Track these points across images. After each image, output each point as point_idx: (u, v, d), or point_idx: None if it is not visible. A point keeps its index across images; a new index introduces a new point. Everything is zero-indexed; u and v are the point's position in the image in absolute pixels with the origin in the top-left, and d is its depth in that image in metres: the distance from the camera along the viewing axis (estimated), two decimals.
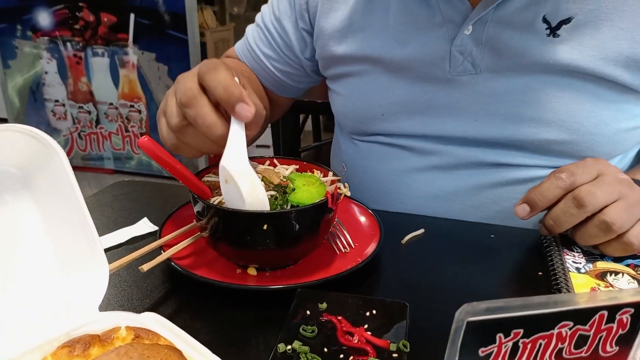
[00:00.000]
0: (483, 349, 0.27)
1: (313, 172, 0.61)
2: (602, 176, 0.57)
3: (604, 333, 0.29)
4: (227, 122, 0.53)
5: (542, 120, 0.68)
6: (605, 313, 0.28)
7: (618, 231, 0.55)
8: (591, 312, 0.28)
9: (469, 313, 0.26)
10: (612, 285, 0.54)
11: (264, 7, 0.88)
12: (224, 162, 0.52)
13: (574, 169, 0.58)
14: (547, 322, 0.27)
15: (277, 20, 0.84)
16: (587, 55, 0.65)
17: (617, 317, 0.28)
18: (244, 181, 0.51)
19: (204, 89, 0.53)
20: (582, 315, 0.28)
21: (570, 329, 0.28)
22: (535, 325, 0.27)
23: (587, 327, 0.28)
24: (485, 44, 0.68)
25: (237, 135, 0.53)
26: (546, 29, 0.65)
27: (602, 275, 0.55)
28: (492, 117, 0.70)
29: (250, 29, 0.90)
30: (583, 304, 0.27)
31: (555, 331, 0.28)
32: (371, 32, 0.74)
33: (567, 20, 0.65)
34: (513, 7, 0.66)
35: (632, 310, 0.28)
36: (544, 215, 0.60)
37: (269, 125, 1.88)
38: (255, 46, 0.87)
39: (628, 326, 0.29)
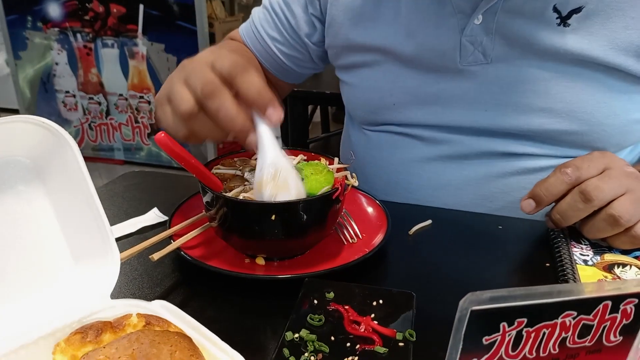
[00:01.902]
0: (487, 337, 0.28)
1: (319, 161, 0.61)
2: (609, 170, 0.57)
3: (608, 323, 0.29)
4: (246, 114, 0.53)
5: (553, 111, 0.68)
6: (610, 303, 0.28)
7: (626, 225, 0.54)
8: (595, 302, 0.28)
9: (473, 302, 0.26)
10: (619, 278, 0.54)
11: None
12: (275, 160, 0.53)
13: (580, 164, 0.58)
14: (550, 311, 0.27)
15: (286, 3, 0.84)
16: (597, 45, 0.64)
17: (621, 307, 0.28)
18: (292, 174, 0.54)
19: (224, 80, 0.53)
20: (586, 305, 0.28)
21: (574, 318, 0.28)
22: (539, 314, 0.27)
23: (590, 316, 0.28)
24: (495, 33, 0.68)
25: (267, 135, 0.54)
26: (557, 18, 0.65)
27: (609, 268, 0.55)
28: (502, 107, 0.70)
29: (256, 11, 0.89)
30: (587, 294, 0.28)
31: (559, 320, 0.28)
32: (382, 22, 0.74)
33: (577, 10, 0.64)
34: None
35: (637, 300, 0.28)
36: (551, 209, 0.60)
37: None
38: (261, 28, 0.87)
39: (632, 316, 0.29)
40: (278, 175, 0.52)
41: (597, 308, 0.28)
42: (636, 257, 0.57)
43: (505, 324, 0.27)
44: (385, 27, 0.74)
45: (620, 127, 0.68)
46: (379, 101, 0.78)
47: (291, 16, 0.84)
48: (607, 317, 0.29)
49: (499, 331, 0.27)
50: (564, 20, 0.65)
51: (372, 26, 0.75)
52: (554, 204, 0.60)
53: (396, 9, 0.73)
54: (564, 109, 0.68)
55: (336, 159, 0.61)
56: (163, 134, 0.51)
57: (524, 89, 0.69)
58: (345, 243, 0.60)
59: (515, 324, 0.27)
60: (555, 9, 0.65)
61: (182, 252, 0.55)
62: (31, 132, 0.45)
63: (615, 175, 0.56)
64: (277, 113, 0.52)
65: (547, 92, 0.68)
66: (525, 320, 0.27)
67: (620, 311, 0.29)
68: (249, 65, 0.53)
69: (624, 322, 0.29)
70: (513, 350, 0.28)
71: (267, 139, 0.53)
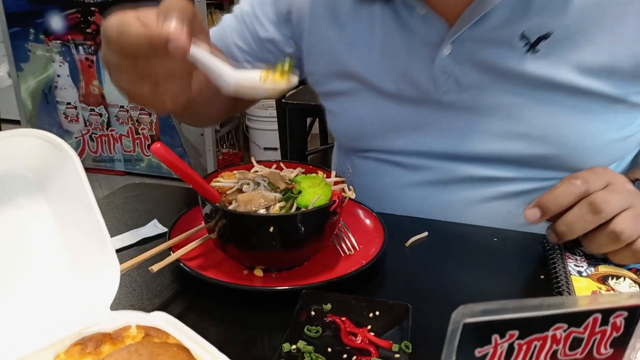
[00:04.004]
0: (479, 349, 0.28)
1: (317, 174, 0.62)
2: (612, 185, 0.57)
3: (598, 335, 0.29)
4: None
5: (530, 136, 0.69)
6: (599, 316, 0.29)
7: (627, 240, 0.55)
8: (585, 314, 0.28)
9: (466, 314, 0.27)
10: (613, 289, 0.54)
11: (242, 1, 0.86)
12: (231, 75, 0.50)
13: (587, 176, 0.58)
14: (541, 324, 0.28)
15: (256, 18, 0.82)
16: (567, 70, 0.65)
17: (611, 319, 0.29)
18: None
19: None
20: (576, 318, 0.28)
21: (564, 331, 0.29)
22: (530, 327, 0.28)
23: (581, 329, 0.29)
24: (466, 61, 0.68)
25: (205, 55, 0.50)
26: (525, 45, 0.65)
27: (603, 279, 0.56)
28: (480, 133, 0.71)
29: (226, 19, 0.87)
30: (577, 306, 0.28)
31: (550, 333, 0.28)
32: (360, 54, 0.75)
33: (545, 36, 0.64)
34: (490, 25, 0.66)
35: (626, 313, 0.29)
36: (556, 221, 0.59)
37: (276, 128, 1.90)
38: (229, 36, 0.85)
39: (622, 329, 0.30)
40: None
41: (587, 321, 0.29)
42: (630, 269, 0.58)
43: (497, 336, 0.28)
44: (362, 58, 0.75)
45: (598, 147, 0.68)
46: (360, 129, 0.79)
47: (262, 30, 0.82)
48: (597, 329, 0.29)
49: (491, 343, 0.28)
50: (532, 46, 0.65)
51: (350, 56, 0.75)
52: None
53: (371, 41, 0.74)
54: (539, 134, 0.68)
55: (333, 172, 0.62)
56: (159, 144, 0.52)
57: (499, 115, 0.69)
58: (343, 255, 0.61)
59: (507, 336, 0.28)
60: (524, 36, 0.65)
61: (181, 264, 0.56)
62: (34, 145, 0.46)
63: (620, 190, 0.56)
64: (175, 47, 0.47)
65: (521, 117, 0.68)
66: (517, 332, 0.28)
67: (610, 324, 0.29)
68: (125, 21, 0.48)
69: (614, 334, 0.30)
70: None
71: (208, 62, 0.50)
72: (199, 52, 0.50)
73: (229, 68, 0.50)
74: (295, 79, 0.53)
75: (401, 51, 0.72)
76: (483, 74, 0.68)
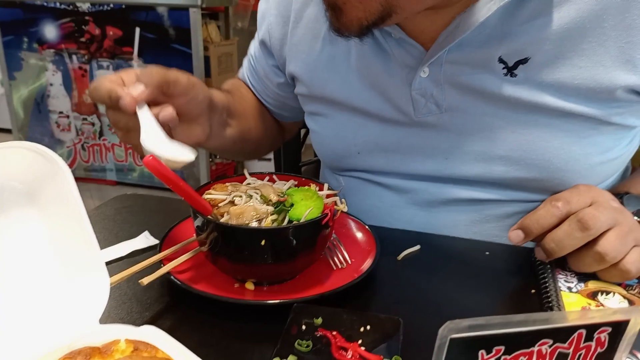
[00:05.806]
0: None
1: (309, 187, 0.62)
2: (597, 202, 0.58)
3: (583, 351, 0.30)
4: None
5: (511, 159, 0.68)
6: (584, 332, 0.29)
7: (612, 261, 0.55)
8: (570, 330, 0.29)
9: (452, 330, 0.27)
10: (602, 305, 0.55)
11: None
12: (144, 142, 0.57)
13: (569, 197, 0.58)
14: (527, 339, 0.28)
15: (255, 59, 0.89)
16: (547, 93, 0.64)
17: (595, 335, 0.29)
18: (164, 151, 0.57)
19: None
20: (561, 334, 0.29)
21: (550, 346, 0.29)
22: (516, 342, 0.28)
23: (566, 345, 0.29)
24: (444, 83, 0.68)
25: (145, 118, 0.58)
26: (503, 68, 0.64)
27: (593, 295, 0.56)
28: (462, 155, 0.70)
29: (251, 46, 0.92)
30: (562, 322, 0.29)
31: (536, 348, 0.29)
32: (337, 77, 0.75)
33: (524, 60, 0.63)
34: (467, 49, 0.65)
35: (610, 329, 0.29)
36: (544, 239, 0.59)
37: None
38: (246, 72, 0.92)
39: (606, 344, 0.30)
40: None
41: (572, 336, 0.29)
42: (620, 285, 0.58)
43: (483, 351, 0.28)
44: (339, 81, 0.74)
45: (582, 171, 0.67)
46: (343, 149, 0.78)
47: (260, 66, 0.88)
48: (582, 345, 0.29)
49: (477, 359, 0.28)
50: (510, 70, 0.64)
51: (327, 80, 0.76)
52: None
53: (347, 64, 0.73)
54: (521, 157, 0.67)
55: (326, 185, 0.62)
56: (151, 157, 0.52)
57: (480, 137, 0.69)
58: (335, 268, 0.61)
59: (494, 351, 0.28)
60: (501, 60, 0.64)
61: (172, 277, 0.56)
62: (26, 158, 0.46)
63: (606, 207, 0.57)
64: (124, 103, 0.57)
65: (503, 140, 0.68)
66: (503, 348, 0.28)
67: (594, 339, 0.29)
68: (99, 81, 0.59)
69: (599, 350, 0.30)
70: None
71: (144, 122, 0.58)
72: (142, 113, 0.58)
73: (153, 133, 0.58)
74: (192, 155, 0.59)
75: (378, 75, 0.71)
76: (463, 95, 0.67)
